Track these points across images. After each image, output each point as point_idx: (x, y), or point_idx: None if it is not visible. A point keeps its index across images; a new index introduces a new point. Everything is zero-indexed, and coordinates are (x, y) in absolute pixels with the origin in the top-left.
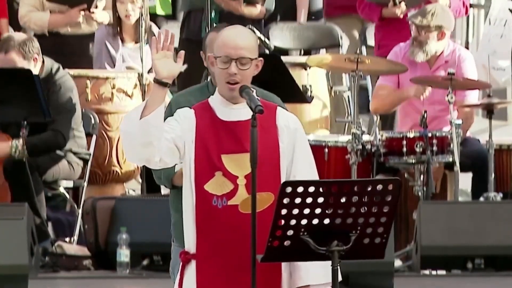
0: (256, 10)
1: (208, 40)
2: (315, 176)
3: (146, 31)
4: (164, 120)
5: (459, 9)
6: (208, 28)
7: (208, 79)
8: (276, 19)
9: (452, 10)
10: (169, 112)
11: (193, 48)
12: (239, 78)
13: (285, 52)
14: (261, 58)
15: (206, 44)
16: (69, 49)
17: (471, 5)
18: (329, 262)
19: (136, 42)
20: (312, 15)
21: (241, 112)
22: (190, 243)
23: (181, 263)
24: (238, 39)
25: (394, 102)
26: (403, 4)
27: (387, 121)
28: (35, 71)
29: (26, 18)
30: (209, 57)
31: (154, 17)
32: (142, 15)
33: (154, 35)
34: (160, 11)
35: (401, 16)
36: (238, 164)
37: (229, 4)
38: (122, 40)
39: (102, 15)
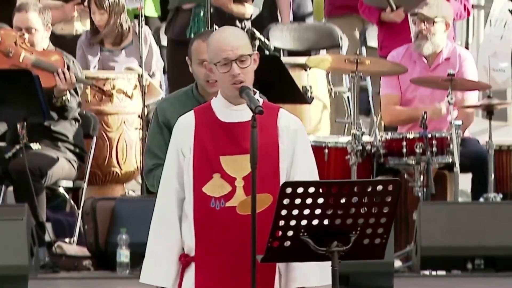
0: (244, 9)
1: (193, 48)
2: (315, 178)
3: (124, 33)
4: (151, 130)
5: (460, 12)
6: (207, 27)
7: (194, 83)
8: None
9: (453, 13)
10: (156, 118)
11: (180, 49)
12: (243, 77)
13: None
14: (256, 52)
15: (191, 51)
16: (66, 49)
17: (472, 6)
18: (325, 264)
19: (115, 45)
20: (300, 18)
21: (242, 113)
22: (190, 245)
23: (181, 266)
24: (232, 39)
25: (409, 120)
26: (401, 10)
27: None
28: (46, 41)
29: None
30: (206, 65)
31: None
32: (142, 15)
33: (136, 35)
34: (151, 13)
35: (399, 21)
36: (237, 166)
37: (219, 0)
38: (102, 44)
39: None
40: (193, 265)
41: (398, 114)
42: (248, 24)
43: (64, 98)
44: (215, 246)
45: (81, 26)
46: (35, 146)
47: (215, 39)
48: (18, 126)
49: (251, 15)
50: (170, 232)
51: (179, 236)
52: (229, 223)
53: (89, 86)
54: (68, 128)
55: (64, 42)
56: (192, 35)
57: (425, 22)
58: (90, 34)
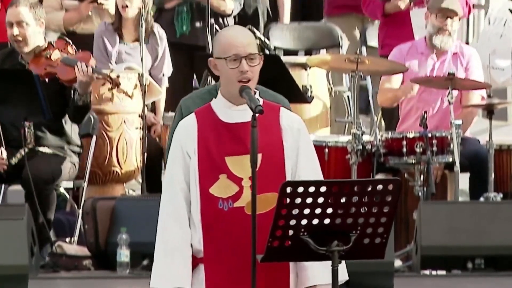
0: (224, 4)
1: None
2: (319, 177)
3: (146, 31)
4: (174, 127)
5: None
6: (208, 28)
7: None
8: (259, 20)
9: None
10: (180, 115)
11: (171, 50)
12: (251, 75)
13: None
14: (261, 54)
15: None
16: (87, 48)
17: (473, 6)
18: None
19: (135, 41)
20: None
21: (243, 114)
22: (197, 248)
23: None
24: (243, 37)
25: (393, 100)
26: None
27: (393, 120)
28: (40, 37)
29: (45, 20)
30: (211, 61)
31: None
32: (142, 15)
33: (155, 36)
34: None
35: (404, 9)
36: (242, 166)
37: None
38: (121, 37)
39: (113, 6)
40: (201, 266)
41: (385, 93)
42: (231, 21)
43: (86, 96)
44: (224, 247)
45: (99, 23)
46: (43, 149)
47: (224, 35)
48: (26, 129)
49: (233, 11)
50: (182, 232)
51: (190, 236)
52: (238, 224)
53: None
54: (68, 127)
55: (86, 41)
56: (178, 35)
57: (450, 17)
58: (114, 20)
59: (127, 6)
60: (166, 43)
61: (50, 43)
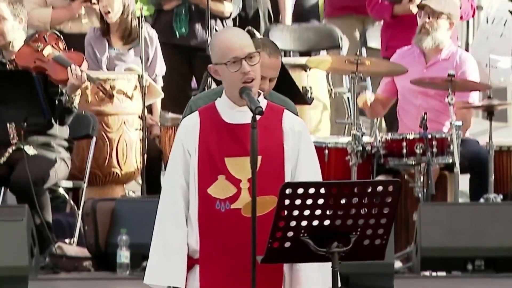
0: (222, 7)
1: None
2: (318, 179)
3: (133, 33)
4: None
5: (468, 12)
6: (208, 30)
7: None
8: (259, 22)
9: (462, 12)
10: (190, 113)
11: (169, 51)
12: (253, 74)
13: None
14: (259, 50)
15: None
16: (75, 48)
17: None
18: (329, 267)
19: (124, 44)
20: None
21: (246, 115)
22: (194, 247)
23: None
24: (239, 38)
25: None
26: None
27: (394, 123)
28: (21, 33)
29: (29, 16)
30: (211, 67)
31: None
32: (142, 16)
33: (145, 37)
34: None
35: (415, 12)
36: (242, 168)
37: None
38: (109, 42)
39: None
40: (196, 267)
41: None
42: (230, 23)
43: (74, 97)
44: (220, 248)
45: (88, 24)
46: (30, 150)
47: (220, 40)
48: (8, 126)
49: (231, 13)
50: (179, 230)
51: (187, 234)
52: (234, 225)
53: (93, 85)
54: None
55: (73, 41)
56: (178, 35)
57: (430, 16)
58: (101, 26)
59: (109, 12)
60: (158, 43)
61: (43, 36)
